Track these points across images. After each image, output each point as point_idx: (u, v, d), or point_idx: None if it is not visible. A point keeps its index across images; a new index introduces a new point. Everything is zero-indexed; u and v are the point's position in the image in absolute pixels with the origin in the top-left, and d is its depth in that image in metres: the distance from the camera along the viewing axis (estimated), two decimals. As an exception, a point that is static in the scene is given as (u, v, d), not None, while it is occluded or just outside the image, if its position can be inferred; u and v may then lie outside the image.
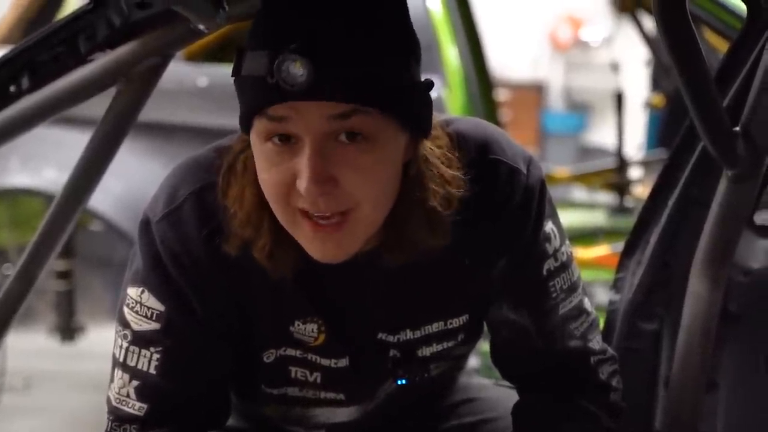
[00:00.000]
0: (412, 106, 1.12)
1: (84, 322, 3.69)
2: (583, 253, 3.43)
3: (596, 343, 1.36)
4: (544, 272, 1.29)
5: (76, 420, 3.41)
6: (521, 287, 1.29)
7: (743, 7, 1.47)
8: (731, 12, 1.62)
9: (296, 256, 1.18)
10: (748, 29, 1.47)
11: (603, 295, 2.78)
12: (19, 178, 3.01)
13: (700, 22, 1.70)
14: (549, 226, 1.28)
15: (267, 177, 1.11)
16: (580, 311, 1.33)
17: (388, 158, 1.11)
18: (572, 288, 1.32)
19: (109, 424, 1.26)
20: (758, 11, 1.45)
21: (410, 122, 1.12)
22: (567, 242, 1.32)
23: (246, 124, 1.12)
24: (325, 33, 1.06)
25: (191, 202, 1.20)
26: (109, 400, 1.26)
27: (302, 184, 1.07)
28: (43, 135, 2.67)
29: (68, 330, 3.60)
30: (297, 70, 1.04)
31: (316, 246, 1.13)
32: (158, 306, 1.22)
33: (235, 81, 1.13)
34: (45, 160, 2.95)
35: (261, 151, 1.11)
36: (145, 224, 1.22)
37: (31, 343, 3.85)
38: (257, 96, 1.08)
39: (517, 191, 1.23)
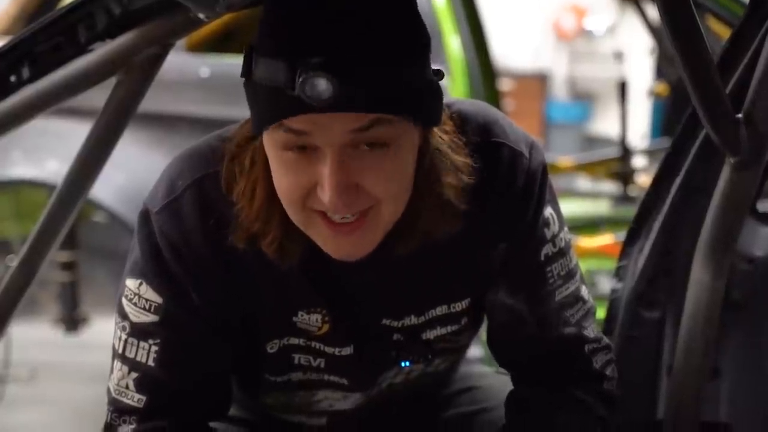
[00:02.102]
0: (427, 103, 1.11)
1: (88, 313, 3.70)
2: (587, 242, 3.43)
3: (591, 331, 1.35)
4: (542, 257, 1.28)
5: (81, 411, 3.41)
6: (518, 271, 1.29)
7: (745, -7, 1.47)
8: (734, -2, 1.62)
9: (305, 248, 1.17)
10: (750, 15, 1.46)
11: (607, 284, 2.78)
12: (22, 169, 3.01)
13: (703, 9, 1.69)
14: (548, 211, 1.28)
15: (284, 182, 1.10)
16: (576, 299, 1.33)
17: (406, 157, 1.11)
18: (569, 275, 1.31)
19: (109, 415, 1.25)
20: (760, -3, 1.44)
21: (424, 119, 1.12)
22: (566, 229, 1.32)
23: (258, 129, 1.10)
24: (348, 42, 1.03)
25: (191, 192, 1.19)
26: (109, 392, 1.26)
27: (325, 194, 1.07)
28: (46, 126, 2.67)
29: (72, 321, 3.61)
30: (321, 85, 1.01)
31: (333, 246, 1.13)
32: (156, 298, 1.21)
33: (246, 84, 1.10)
34: (48, 151, 2.95)
35: (277, 156, 1.09)
36: (145, 215, 1.21)
37: (35, 335, 3.85)
38: (274, 106, 1.06)
39: (519, 175, 1.23)
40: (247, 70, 1.09)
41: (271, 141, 1.09)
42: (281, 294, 1.24)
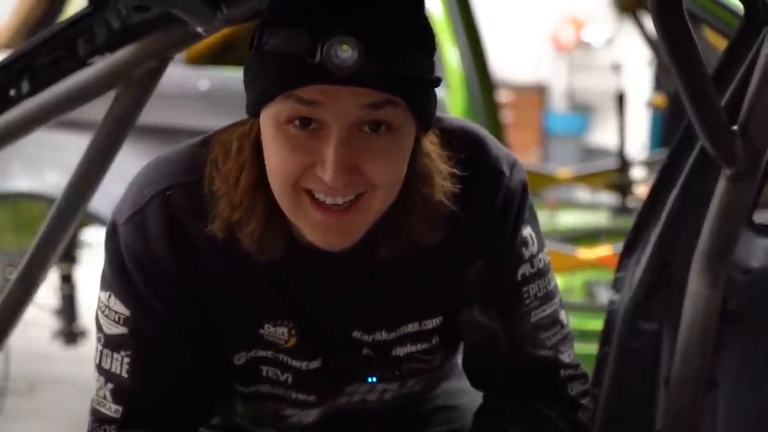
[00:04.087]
0: (427, 102, 1.12)
1: (87, 326, 3.69)
2: (585, 253, 3.43)
3: (568, 356, 1.34)
4: (519, 277, 1.28)
5: (79, 423, 3.40)
6: (494, 290, 1.28)
7: (741, 5, 1.47)
8: (729, 10, 1.62)
9: (283, 243, 1.17)
10: (746, 27, 1.47)
11: (605, 296, 2.78)
12: (21, 182, 3.02)
13: (699, 20, 1.70)
14: (527, 231, 1.27)
15: (281, 160, 1.09)
16: (553, 321, 1.32)
17: (405, 149, 1.12)
18: (547, 297, 1.30)
19: (90, 425, 1.26)
20: (755, 9, 1.44)
21: (423, 116, 1.12)
22: (545, 250, 1.31)
23: (262, 103, 1.09)
24: (375, 17, 1.05)
25: (156, 203, 1.18)
26: (91, 402, 1.27)
27: (327, 172, 1.06)
28: (45, 139, 2.68)
29: (71, 334, 3.60)
30: (346, 53, 1.01)
31: (321, 232, 1.11)
32: (124, 310, 1.21)
33: (251, 59, 1.09)
34: (47, 164, 2.95)
35: (278, 132, 1.08)
36: (112, 227, 1.21)
37: (34, 347, 3.85)
38: (289, 74, 1.05)
39: (499, 193, 1.23)
40: (257, 44, 1.08)
41: (273, 114, 1.08)
42: (248, 306, 1.23)
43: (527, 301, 1.28)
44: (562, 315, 1.33)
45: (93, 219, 2.98)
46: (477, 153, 1.23)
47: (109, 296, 1.22)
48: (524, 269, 1.28)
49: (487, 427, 1.33)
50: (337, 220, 1.10)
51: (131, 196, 1.20)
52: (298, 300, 1.23)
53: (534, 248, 1.28)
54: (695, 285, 1.47)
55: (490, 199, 1.23)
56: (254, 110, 1.11)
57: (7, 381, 3.31)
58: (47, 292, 3.47)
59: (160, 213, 1.18)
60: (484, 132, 1.27)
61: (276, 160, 1.09)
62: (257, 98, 1.10)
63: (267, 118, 1.10)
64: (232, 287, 1.21)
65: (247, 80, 1.11)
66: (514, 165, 1.25)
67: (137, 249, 1.18)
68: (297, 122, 1.07)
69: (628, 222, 3.77)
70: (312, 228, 1.12)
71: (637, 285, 1.64)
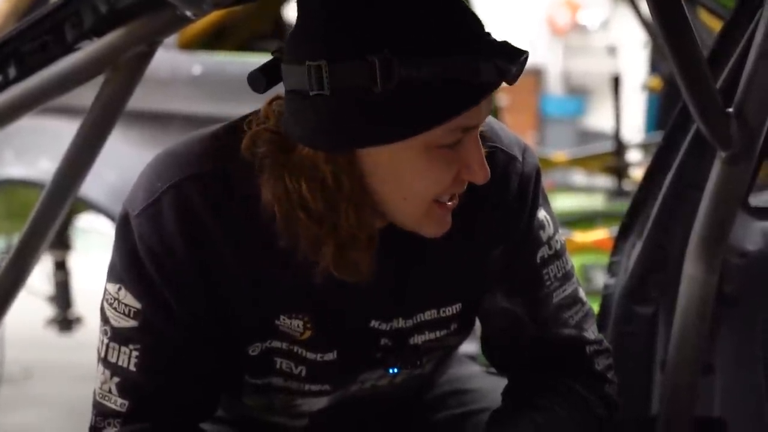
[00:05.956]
0: None
1: (82, 312, 3.69)
2: (581, 236, 3.43)
3: (591, 333, 1.35)
4: (538, 260, 1.28)
5: (76, 411, 3.40)
6: (516, 275, 1.28)
7: (736, -13, 1.46)
8: (725, -8, 1.61)
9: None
10: (741, 9, 1.46)
11: (602, 279, 2.77)
12: (15, 169, 3.00)
13: (694, 3, 1.69)
14: (542, 214, 1.28)
15: (434, 180, 1.11)
16: (574, 300, 1.32)
17: None
18: (566, 276, 1.31)
19: (93, 418, 1.23)
20: (750, -9, 1.44)
21: None
22: (560, 231, 1.32)
23: (411, 134, 1.07)
24: (484, 23, 1.11)
25: (171, 194, 1.16)
26: (94, 395, 1.24)
27: (478, 174, 1.11)
28: (38, 126, 2.66)
29: (66, 321, 3.60)
30: (507, 64, 1.09)
31: (441, 225, 1.15)
32: (135, 303, 1.18)
33: (396, 91, 1.04)
34: (40, 150, 2.94)
35: (428, 156, 1.09)
36: (124, 218, 1.18)
37: (29, 334, 3.85)
38: (452, 99, 1.05)
39: (513, 179, 1.24)
40: (400, 77, 1.04)
41: (420, 144, 1.07)
42: (264, 297, 1.21)
43: (548, 283, 1.29)
44: (581, 293, 1.35)
45: (87, 206, 2.97)
46: (488, 140, 1.23)
47: (119, 288, 1.19)
48: (543, 252, 1.29)
49: (517, 401, 1.33)
50: (450, 210, 1.15)
51: (144, 188, 1.18)
52: (317, 291, 1.21)
53: (551, 230, 1.29)
54: (691, 269, 1.46)
55: (505, 186, 1.24)
56: (388, 140, 1.08)
57: (2, 368, 3.30)
58: (41, 279, 3.47)
59: (174, 204, 1.16)
60: (491, 118, 1.27)
61: (425, 182, 1.11)
62: (405, 130, 1.07)
63: (410, 148, 1.08)
64: (248, 278, 1.19)
65: (374, 114, 1.06)
66: (525, 150, 1.26)
67: (152, 241, 1.16)
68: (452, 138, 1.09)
69: (624, 205, 3.75)
70: (436, 224, 1.15)
71: (632, 269, 1.64)
